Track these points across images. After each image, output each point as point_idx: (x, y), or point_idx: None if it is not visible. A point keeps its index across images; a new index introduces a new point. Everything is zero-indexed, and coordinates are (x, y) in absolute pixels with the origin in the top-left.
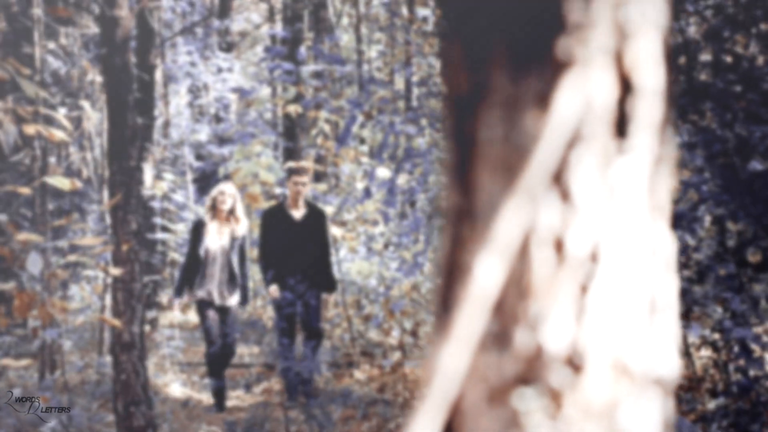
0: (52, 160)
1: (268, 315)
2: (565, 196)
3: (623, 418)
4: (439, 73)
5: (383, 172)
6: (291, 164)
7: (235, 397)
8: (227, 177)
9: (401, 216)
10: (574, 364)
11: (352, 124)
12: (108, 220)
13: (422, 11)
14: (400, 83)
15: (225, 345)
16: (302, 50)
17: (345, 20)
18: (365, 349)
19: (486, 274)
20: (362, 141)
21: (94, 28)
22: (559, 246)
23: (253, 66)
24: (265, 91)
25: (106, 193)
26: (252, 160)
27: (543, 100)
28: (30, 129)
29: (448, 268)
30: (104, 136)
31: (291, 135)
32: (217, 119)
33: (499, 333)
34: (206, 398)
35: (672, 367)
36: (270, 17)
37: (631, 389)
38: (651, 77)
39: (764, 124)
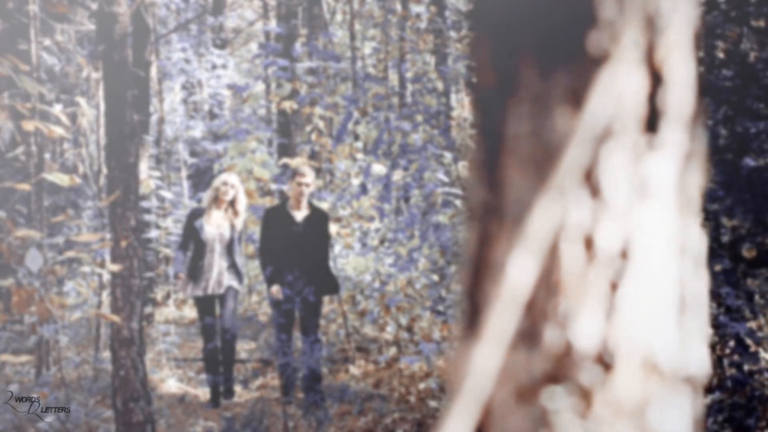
0: (47, 156)
1: (263, 311)
2: (595, 192)
3: (653, 417)
4: (467, 68)
5: (378, 169)
6: (295, 164)
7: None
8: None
9: (396, 212)
10: (604, 362)
11: (348, 121)
12: (104, 216)
13: (416, 8)
14: (394, 80)
15: (224, 340)
16: (297, 47)
17: (339, 17)
18: (360, 344)
19: (518, 273)
20: (356, 137)
21: (89, 25)
22: (588, 243)
23: (247, 63)
24: (259, 87)
25: (102, 189)
26: (246, 156)
27: (573, 96)
28: (29, 125)
29: (475, 265)
30: (100, 132)
31: (285, 131)
32: (212, 116)
33: (528, 331)
34: (202, 394)
35: (702, 365)
36: (264, 14)
37: (661, 388)
38: (681, 71)
39: (759, 120)
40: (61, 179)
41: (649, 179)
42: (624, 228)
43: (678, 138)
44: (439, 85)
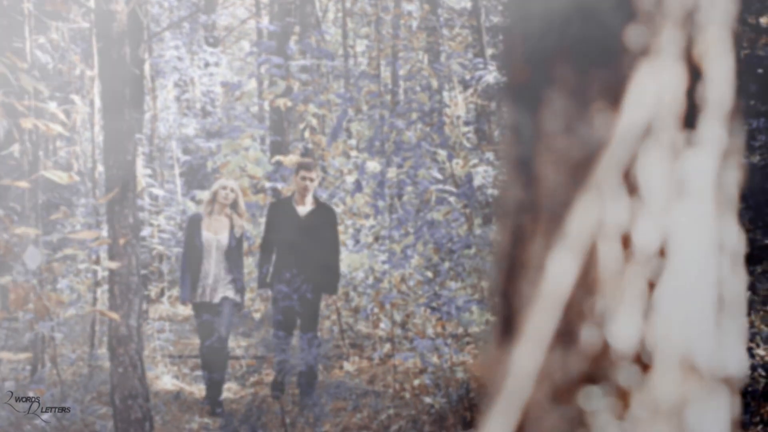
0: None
1: (255, 307)
2: (632, 190)
3: (691, 418)
4: (497, 65)
5: (373, 166)
6: (288, 161)
7: (227, 390)
8: (215, 171)
9: (390, 209)
10: (642, 362)
11: (344, 118)
12: (98, 213)
13: (408, 6)
14: (387, 77)
15: (218, 346)
16: (291, 44)
17: (331, 15)
18: (354, 341)
19: (558, 272)
20: (349, 134)
21: (82, 23)
22: (626, 242)
23: (239, 60)
24: (251, 85)
25: (96, 187)
26: (240, 153)
27: (610, 92)
28: (27, 123)
29: (508, 263)
30: (95, 129)
31: (278, 129)
32: (204, 113)
33: (565, 330)
34: (198, 390)
35: (740, 365)
36: (256, 12)
37: (699, 388)
38: (720, 66)
39: (756, 117)
40: (60, 177)
41: (687, 177)
42: (662, 226)
43: (716, 134)
44: (434, 83)
